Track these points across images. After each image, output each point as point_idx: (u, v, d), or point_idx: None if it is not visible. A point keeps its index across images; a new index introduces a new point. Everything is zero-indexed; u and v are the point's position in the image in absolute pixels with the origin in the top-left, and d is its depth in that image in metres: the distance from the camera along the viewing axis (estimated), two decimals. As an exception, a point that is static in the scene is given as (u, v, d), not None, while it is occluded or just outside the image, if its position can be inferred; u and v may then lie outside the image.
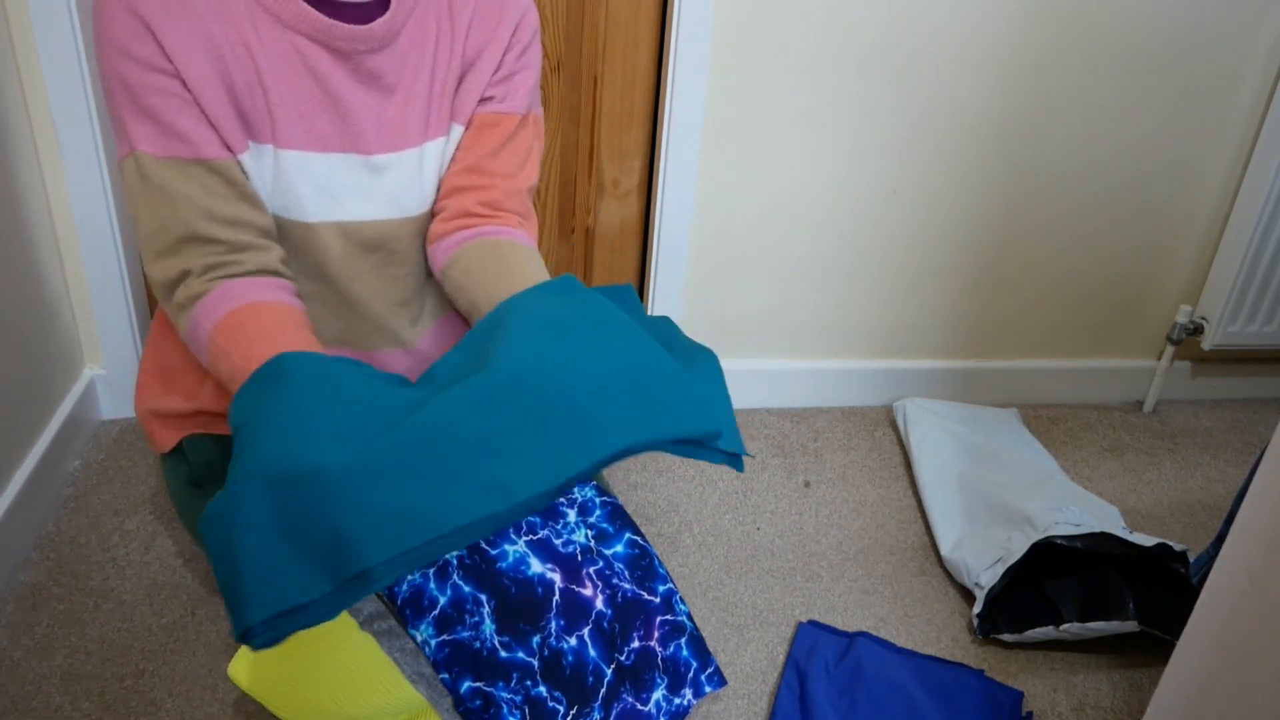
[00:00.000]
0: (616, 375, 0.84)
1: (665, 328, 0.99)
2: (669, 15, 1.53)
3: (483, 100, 1.08)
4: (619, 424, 0.82)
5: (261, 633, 0.74)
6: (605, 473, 1.61)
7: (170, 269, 0.95)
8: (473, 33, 1.05)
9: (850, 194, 1.69)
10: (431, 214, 1.10)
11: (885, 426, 1.82)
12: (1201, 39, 1.65)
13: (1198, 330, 1.85)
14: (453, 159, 1.09)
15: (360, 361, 0.89)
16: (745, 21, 1.53)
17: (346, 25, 0.96)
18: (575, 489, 1.06)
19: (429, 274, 1.14)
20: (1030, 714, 1.24)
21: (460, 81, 1.06)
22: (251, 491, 0.75)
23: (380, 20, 0.98)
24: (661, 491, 1.60)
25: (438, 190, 1.10)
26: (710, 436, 0.87)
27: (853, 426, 1.81)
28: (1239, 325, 1.82)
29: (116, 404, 1.62)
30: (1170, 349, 1.90)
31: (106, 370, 1.60)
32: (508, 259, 1.04)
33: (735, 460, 0.91)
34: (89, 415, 1.58)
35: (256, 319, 0.93)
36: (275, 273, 0.98)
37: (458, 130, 1.08)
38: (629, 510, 1.53)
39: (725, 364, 1.81)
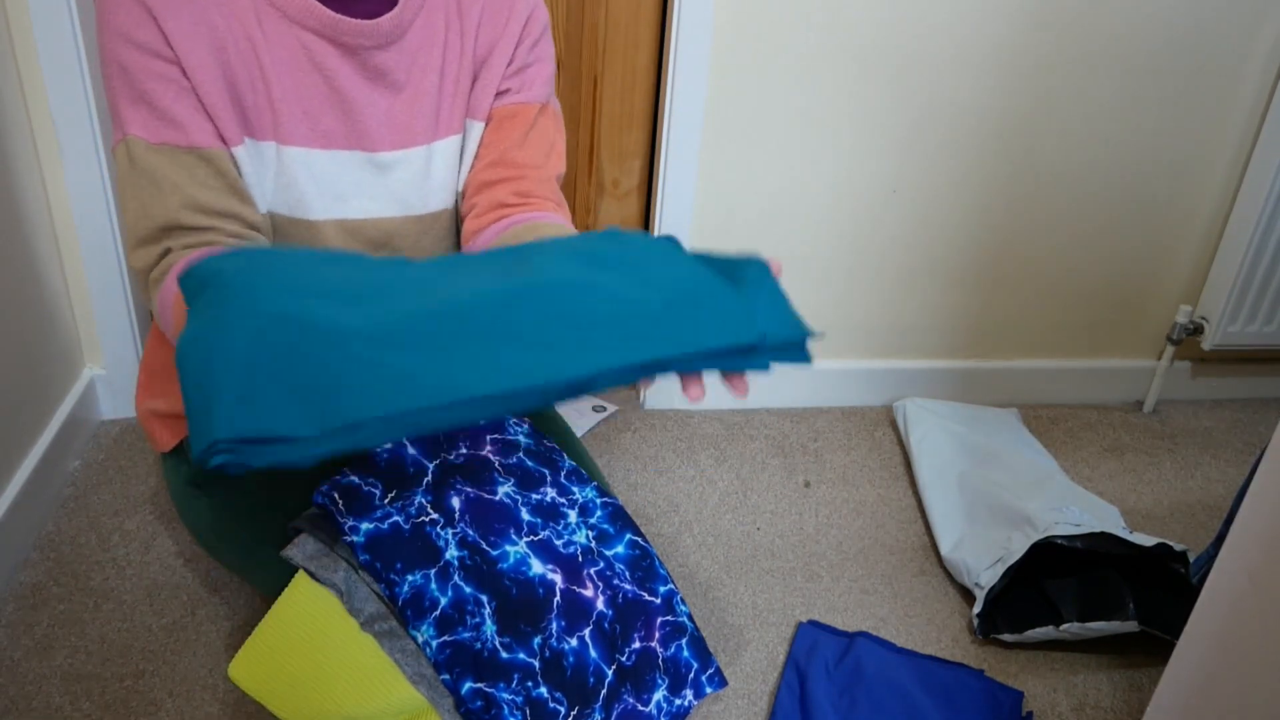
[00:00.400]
0: (655, 288, 0.77)
1: (708, 258, 0.90)
2: (669, 15, 1.53)
3: (499, 94, 1.08)
4: (653, 334, 0.75)
5: (225, 451, 0.64)
6: (606, 473, 1.61)
7: (151, 255, 0.93)
8: (482, 31, 1.05)
9: (850, 194, 1.69)
10: (449, 218, 1.10)
11: (885, 426, 1.82)
12: (1201, 39, 1.65)
13: (1198, 330, 1.85)
14: (476, 156, 1.08)
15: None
16: (745, 22, 1.53)
17: (353, 20, 0.96)
18: (577, 489, 1.06)
19: None
20: (1030, 714, 1.24)
21: (474, 81, 1.06)
22: (242, 321, 0.66)
23: (388, 16, 0.97)
24: (661, 491, 1.60)
25: (456, 193, 1.09)
26: (754, 346, 0.78)
27: (853, 426, 1.81)
28: (1239, 325, 1.82)
29: (116, 404, 1.62)
30: (1170, 349, 1.90)
31: (106, 370, 1.60)
32: (550, 235, 1.00)
33: (799, 352, 0.80)
34: (89, 415, 1.58)
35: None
36: None
37: (476, 127, 1.07)
38: (629, 511, 1.53)
39: (725, 364, 1.80)
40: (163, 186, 0.92)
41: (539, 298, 0.73)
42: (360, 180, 1.01)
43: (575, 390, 0.72)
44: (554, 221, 1.04)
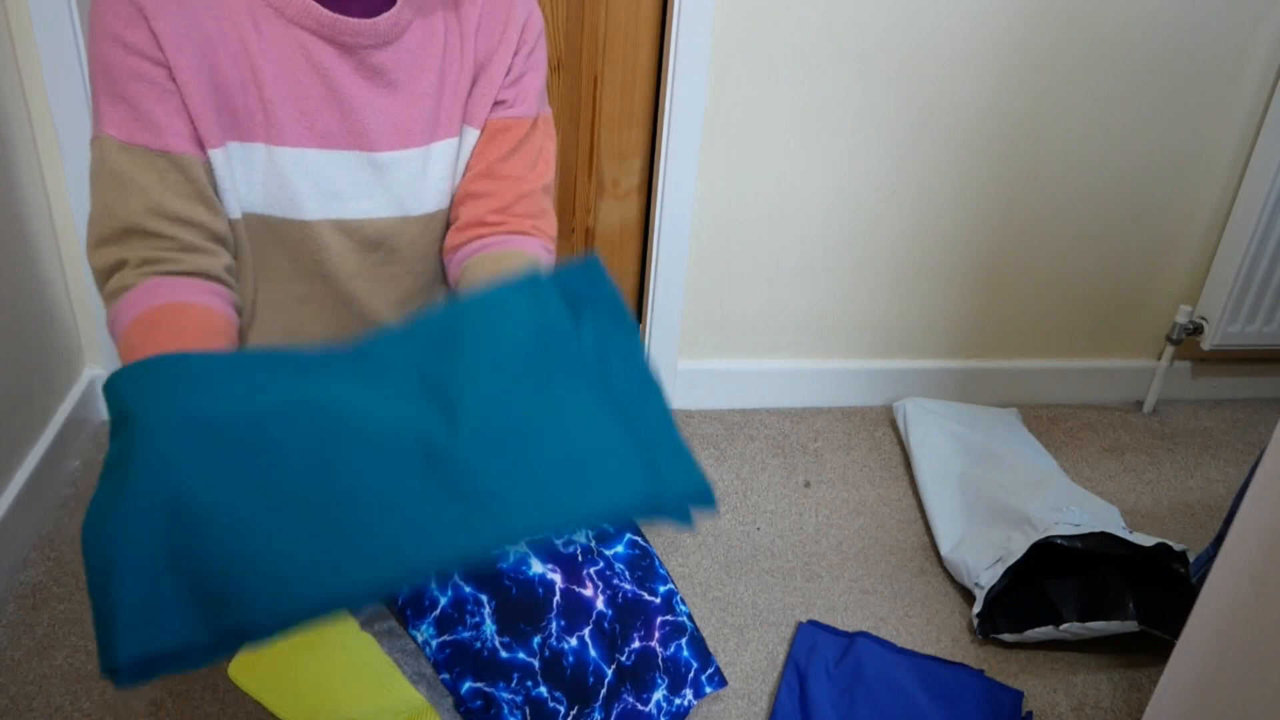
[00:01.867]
0: (556, 452, 0.78)
1: (620, 336, 0.89)
2: (669, 15, 1.53)
3: (495, 104, 1.08)
4: (542, 509, 0.76)
5: (128, 674, 0.66)
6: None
7: (109, 257, 0.93)
8: (481, 34, 1.05)
9: (850, 194, 1.69)
10: (445, 220, 1.10)
11: (885, 426, 1.83)
12: (1201, 39, 1.65)
13: (1198, 330, 1.85)
14: (467, 165, 1.09)
15: (273, 351, 0.82)
16: (745, 22, 1.53)
17: (351, 19, 0.96)
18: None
19: (431, 277, 1.14)
20: (1030, 714, 1.24)
21: (473, 84, 1.06)
22: (145, 513, 0.68)
23: (386, 15, 0.97)
24: (661, 491, 1.60)
25: (451, 196, 1.09)
26: (656, 505, 0.79)
27: (853, 426, 1.82)
28: (1239, 325, 1.82)
29: (116, 404, 1.62)
30: (1170, 349, 1.90)
31: (106, 370, 1.60)
32: (508, 270, 1.04)
33: (702, 501, 0.79)
34: (89, 415, 1.58)
35: (175, 319, 0.90)
36: (214, 278, 0.96)
37: (471, 133, 1.08)
38: (629, 510, 1.53)
39: (726, 364, 1.81)
40: (129, 188, 0.92)
41: (437, 461, 0.74)
42: (359, 180, 1.01)
43: (463, 564, 0.74)
44: (518, 250, 1.06)
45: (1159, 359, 1.94)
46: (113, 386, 0.75)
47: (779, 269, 1.74)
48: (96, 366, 1.61)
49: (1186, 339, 1.87)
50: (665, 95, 1.58)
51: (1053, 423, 1.89)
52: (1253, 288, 1.78)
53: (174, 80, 0.91)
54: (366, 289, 1.07)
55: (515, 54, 1.07)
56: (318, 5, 0.94)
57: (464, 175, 1.09)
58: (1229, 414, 1.97)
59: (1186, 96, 1.70)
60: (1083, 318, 1.89)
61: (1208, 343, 1.84)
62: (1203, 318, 1.84)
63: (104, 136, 0.92)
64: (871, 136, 1.65)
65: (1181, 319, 1.86)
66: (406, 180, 1.03)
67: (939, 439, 1.67)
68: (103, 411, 1.62)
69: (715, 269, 1.72)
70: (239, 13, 0.93)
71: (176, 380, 0.76)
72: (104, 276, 0.94)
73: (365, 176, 1.02)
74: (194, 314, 0.91)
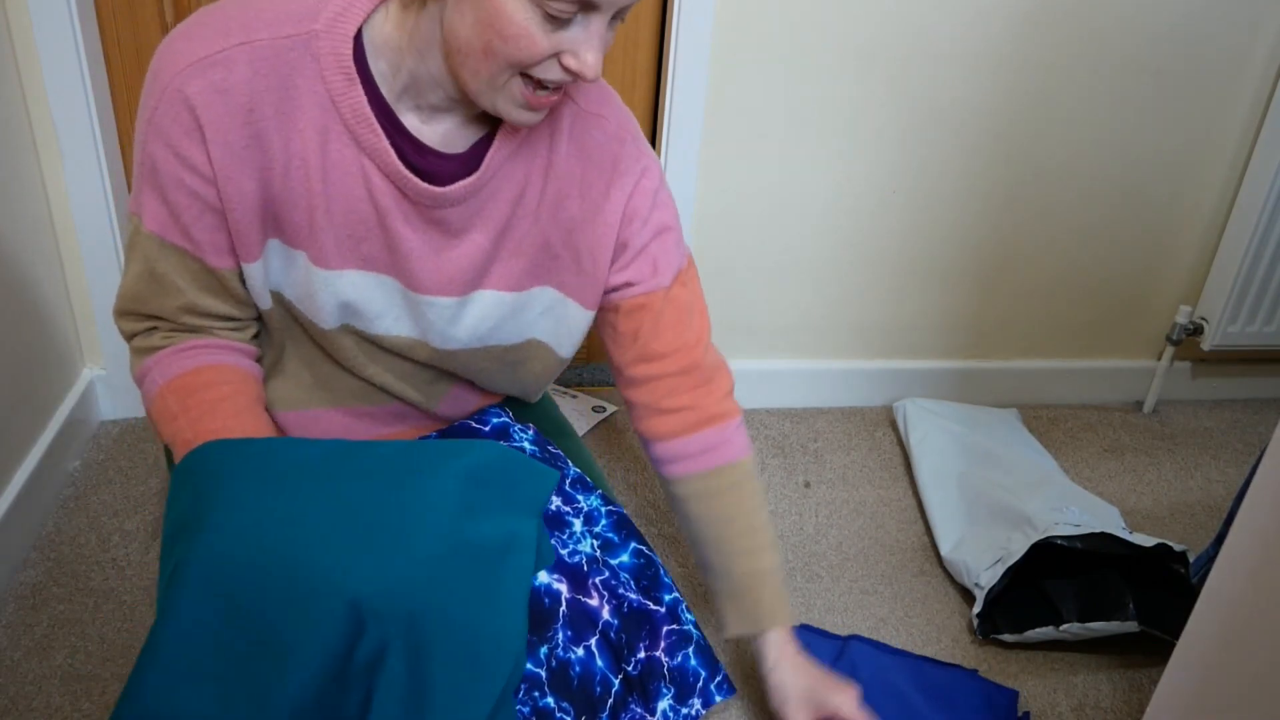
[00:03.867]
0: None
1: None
2: (669, 15, 1.53)
3: (624, 286, 1.03)
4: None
5: None
6: (606, 474, 1.61)
7: (138, 327, 0.95)
8: (570, 202, 0.97)
9: (850, 194, 1.69)
10: (475, 352, 1.03)
11: (885, 426, 1.83)
12: (1201, 39, 1.65)
13: (1198, 330, 1.85)
14: (615, 341, 1.06)
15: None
16: (745, 21, 1.53)
17: (423, 185, 0.89)
18: (581, 498, 1.05)
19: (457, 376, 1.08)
20: (1027, 714, 1.24)
21: (550, 247, 0.98)
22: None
23: (462, 184, 0.90)
24: (661, 492, 1.60)
25: (493, 336, 1.02)
26: None
27: (853, 426, 1.81)
28: (1239, 325, 1.82)
29: (116, 404, 1.62)
30: (1170, 349, 1.90)
31: (106, 370, 1.60)
32: (726, 504, 1.08)
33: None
34: (89, 416, 1.58)
35: (210, 388, 0.93)
36: (238, 345, 0.98)
37: (570, 306, 1.02)
38: (629, 512, 1.53)
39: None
40: (165, 286, 0.92)
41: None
42: (390, 303, 0.96)
43: None
44: (732, 464, 1.08)
45: (1159, 359, 1.94)
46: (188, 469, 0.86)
47: (779, 269, 1.74)
48: (96, 367, 1.61)
49: (1186, 339, 1.87)
50: (665, 95, 1.58)
51: (1053, 423, 1.89)
52: (1253, 288, 1.78)
53: (220, 198, 0.88)
54: (379, 372, 1.03)
55: (621, 230, 1.00)
56: (392, 153, 0.88)
57: (616, 352, 1.06)
58: (1229, 414, 1.97)
59: (1187, 96, 1.70)
60: (1083, 318, 1.89)
61: (1208, 343, 1.84)
62: (1203, 318, 1.84)
63: (144, 230, 0.90)
64: (871, 136, 1.65)
65: (1181, 319, 1.86)
66: (435, 320, 0.98)
67: (939, 439, 1.67)
68: (103, 412, 1.62)
69: (715, 269, 1.72)
70: (309, 128, 0.87)
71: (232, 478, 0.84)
72: (130, 336, 0.96)
73: (396, 301, 0.97)
74: (227, 383, 0.94)
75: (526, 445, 1.07)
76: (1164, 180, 1.77)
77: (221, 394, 0.93)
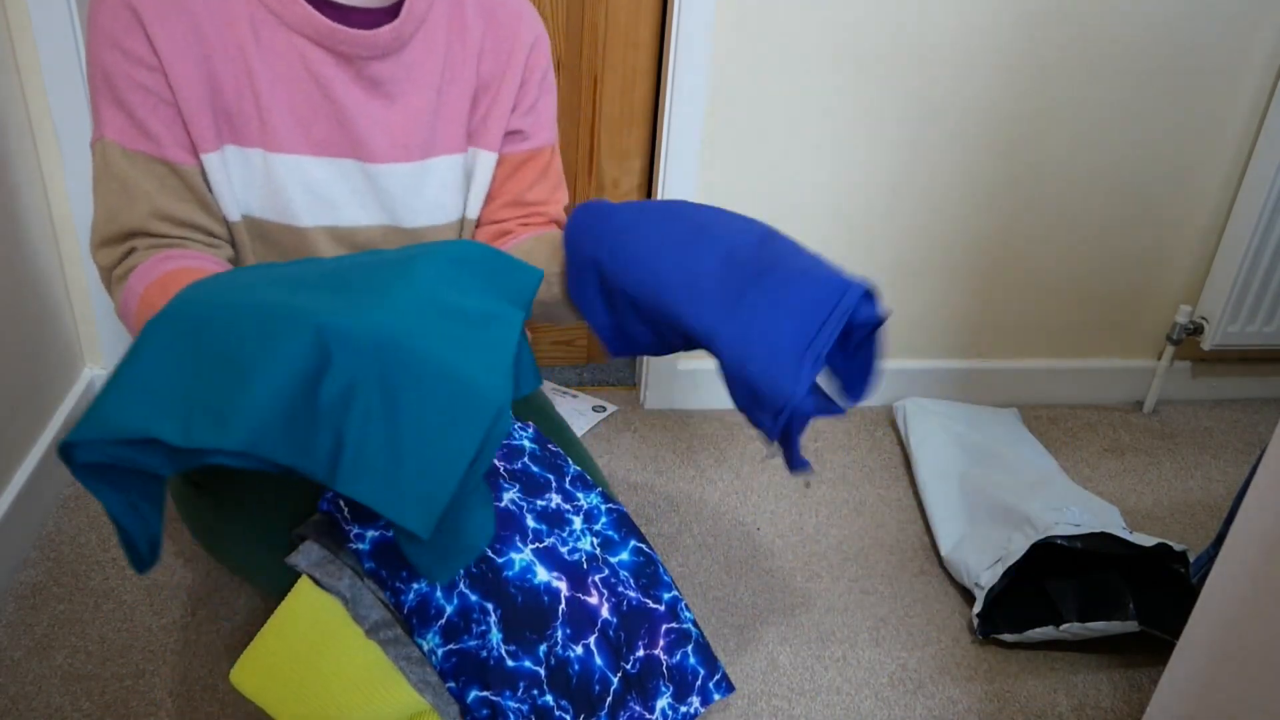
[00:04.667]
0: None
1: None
2: (669, 15, 1.53)
3: (512, 134, 1.09)
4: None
5: (86, 450, 0.71)
6: (606, 473, 1.61)
7: (114, 254, 0.95)
8: (485, 58, 1.05)
9: (850, 194, 1.69)
10: (452, 234, 1.10)
11: (885, 426, 1.83)
12: (1201, 39, 1.65)
13: (1198, 330, 1.85)
14: (489, 194, 1.10)
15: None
16: (745, 21, 1.53)
17: (351, 30, 0.95)
18: (581, 495, 1.06)
19: None
20: (870, 293, 0.91)
21: (474, 103, 1.06)
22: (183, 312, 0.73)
23: (388, 27, 0.97)
24: (661, 491, 1.60)
25: (451, 214, 1.09)
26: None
27: (853, 426, 1.82)
28: (1239, 325, 1.82)
29: (116, 404, 1.62)
30: (1170, 349, 1.90)
31: (106, 370, 1.60)
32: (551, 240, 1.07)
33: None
34: (89, 415, 1.58)
35: (193, 274, 0.91)
36: (217, 260, 0.97)
37: (485, 158, 1.08)
38: (629, 511, 1.53)
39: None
40: (133, 193, 0.93)
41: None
42: (352, 188, 1.01)
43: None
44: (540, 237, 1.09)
45: (1159, 359, 1.94)
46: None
47: (779, 269, 1.74)
48: (96, 366, 1.61)
49: (1186, 339, 1.87)
50: (665, 95, 1.58)
51: (1053, 423, 1.89)
52: (1253, 288, 1.78)
53: (170, 87, 0.92)
54: None
55: (525, 83, 1.07)
56: (318, 14, 0.94)
57: (488, 203, 1.11)
58: (1229, 414, 1.97)
59: (1187, 97, 1.70)
60: (1083, 318, 1.89)
61: (1208, 343, 1.84)
62: (1203, 318, 1.84)
63: (106, 140, 0.93)
64: (871, 137, 1.65)
65: (1181, 319, 1.86)
66: (398, 193, 1.03)
67: (939, 439, 1.67)
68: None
69: (715, 269, 1.72)
70: (239, 19, 0.93)
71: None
72: (110, 269, 0.95)
73: (358, 184, 1.02)
74: (208, 272, 0.92)
75: (526, 443, 1.08)
76: (1164, 180, 1.77)
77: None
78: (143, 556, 0.76)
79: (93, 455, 0.71)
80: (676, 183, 1.62)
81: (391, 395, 0.71)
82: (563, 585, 0.93)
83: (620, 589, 0.99)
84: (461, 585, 0.89)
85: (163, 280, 0.91)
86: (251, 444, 0.70)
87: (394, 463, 0.70)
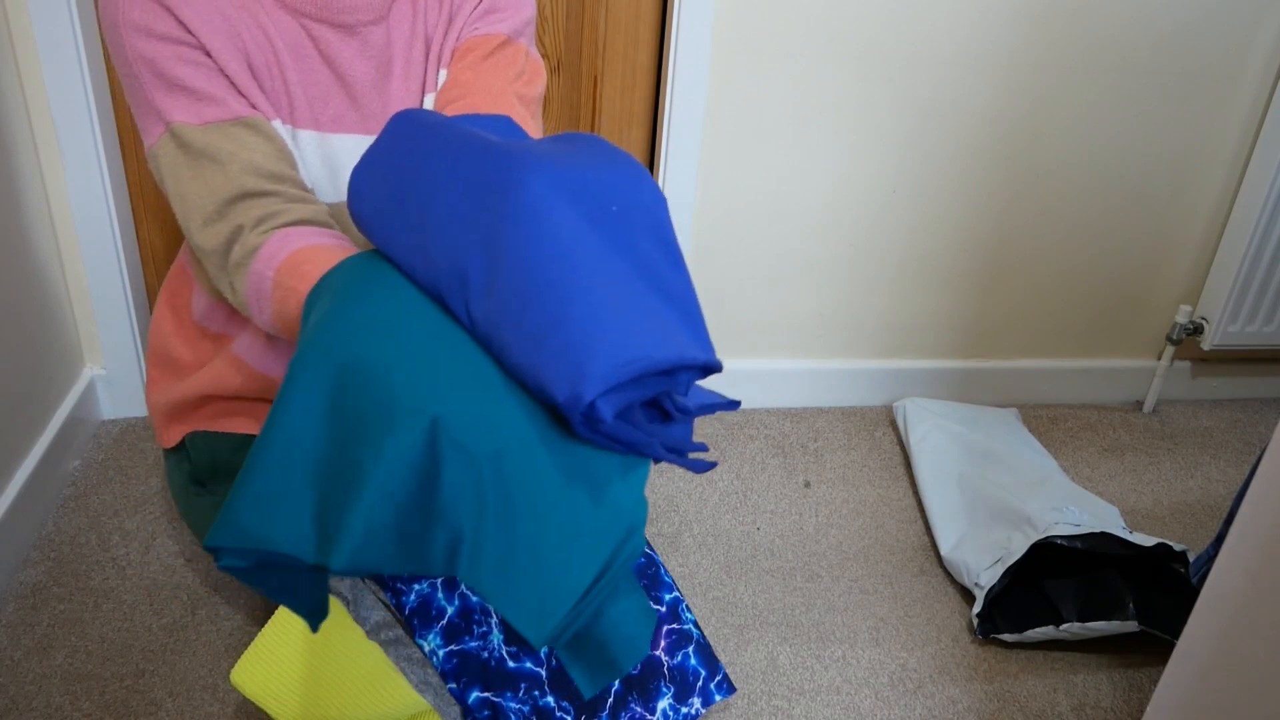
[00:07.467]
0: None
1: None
2: (669, 15, 1.53)
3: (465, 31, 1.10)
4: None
5: (228, 558, 0.74)
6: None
7: (221, 232, 0.92)
8: (458, 16, 1.07)
9: (850, 194, 1.69)
10: None
11: (885, 426, 1.83)
12: (1201, 39, 1.65)
13: (1198, 330, 1.85)
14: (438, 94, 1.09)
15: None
16: (745, 22, 1.53)
17: None
18: None
19: None
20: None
21: (446, 31, 1.09)
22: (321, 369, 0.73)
23: None
24: (661, 491, 1.60)
25: None
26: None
27: (853, 426, 1.82)
28: (1239, 325, 1.82)
29: (116, 404, 1.62)
30: (1170, 349, 1.90)
31: (106, 370, 1.60)
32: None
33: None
34: (89, 415, 1.58)
35: (320, 256, 0.88)
36: (323, 224, 0.95)
37: (445, 76, 1.09)
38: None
39: (726, 364, 1.81)
40: (222, 159, 0.93)
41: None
42: None
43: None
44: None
45: (1159, 359, 1.94)
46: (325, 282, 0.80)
47: (779, 269, 1.74)
48: (96, 366, 1.61)
49: (1186, 339, 1.87)
50: (665, 95, 1.58)
51: (1053, 423, 1.89)
52: (1253, 288, 1.78)
53: (210, 57, 0.93)
54: None
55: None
56: None
57: (435, 105, 1.07)
58: (1229, 414, 1.97)
59: (1186, 96, 1.70)
60: (1083, 318, 1.89)
61: (1208, 343, 1.84)
62: (1203, 318, 1.84)
63: (175, 126, 0.92)
64: (871, 136, 1.64)
65: (1181, 319, 1.86)
66: None
67: (939, 439, 1.67)
68: (103, 411, 1.62)
69: (715, 269, 1.72)
70: (250, 2, 0.97)
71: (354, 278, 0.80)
72: (223, 251, 0.92)
73: None
74: (333, 252, 0.89)
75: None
76: (1164, 180, 1.77)
77: (336, 258, 0.89)
78: (310, 622, 0.80)
79: (235, 561, 0.74)
80: (676, 183, 1.62)
81: (508, 502, 0.70)
82: None
83: None
84: (463, 586, 0.89)
85: (292, 261, 0.88)
86: (354, 564, 0.71)
87: (511, 568, 0.70)
